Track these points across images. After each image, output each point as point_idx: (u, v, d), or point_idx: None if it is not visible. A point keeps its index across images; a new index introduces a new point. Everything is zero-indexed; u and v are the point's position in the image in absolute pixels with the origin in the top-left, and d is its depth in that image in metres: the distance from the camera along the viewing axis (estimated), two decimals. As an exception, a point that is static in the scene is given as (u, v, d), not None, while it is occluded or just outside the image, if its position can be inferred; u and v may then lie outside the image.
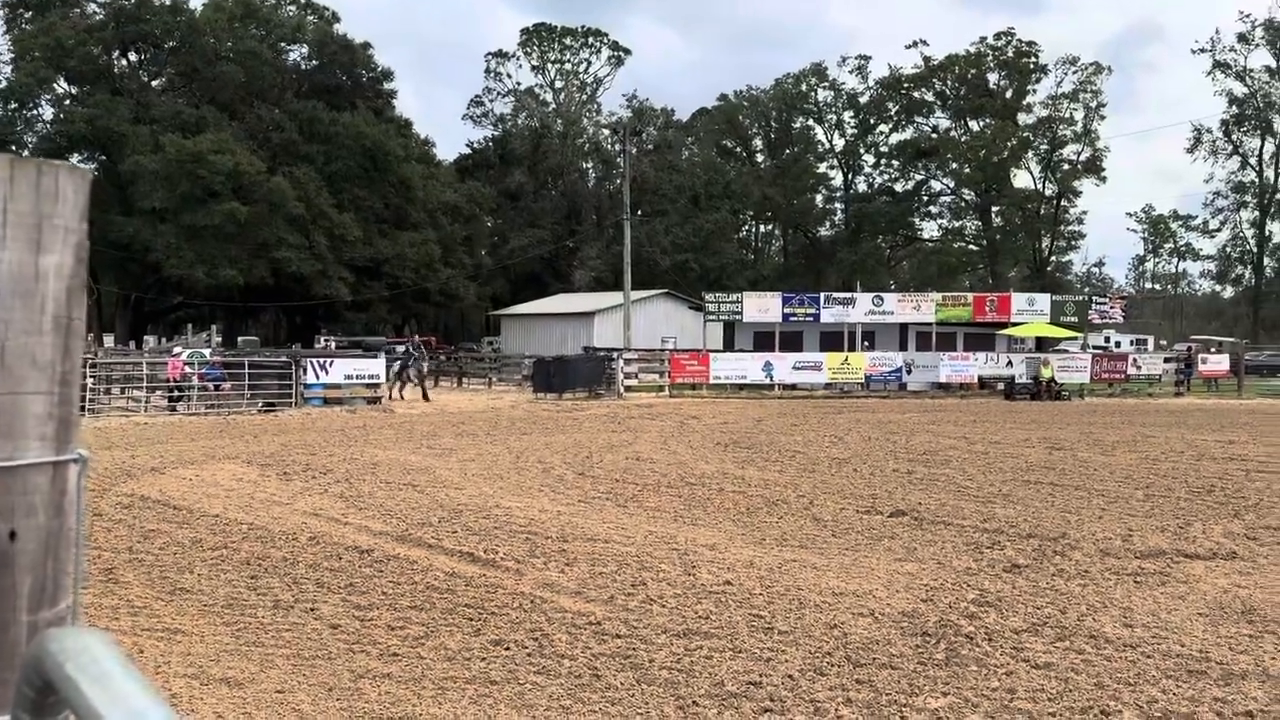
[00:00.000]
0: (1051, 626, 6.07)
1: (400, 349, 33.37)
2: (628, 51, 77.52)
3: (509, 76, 77.49)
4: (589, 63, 77.23)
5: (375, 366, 27.19)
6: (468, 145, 77.36)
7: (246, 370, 25.34)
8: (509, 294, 69.22)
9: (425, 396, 29.34)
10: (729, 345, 40.45)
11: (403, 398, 28.96)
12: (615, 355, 35.43)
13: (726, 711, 4.75)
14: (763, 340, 38.97)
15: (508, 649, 5.69)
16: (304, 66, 61.67)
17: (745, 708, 4.79)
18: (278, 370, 25.98)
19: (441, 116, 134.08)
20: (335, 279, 54.29)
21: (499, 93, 77.53)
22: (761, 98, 78.28)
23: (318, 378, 25.67)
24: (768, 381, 35.55)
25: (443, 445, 16.88)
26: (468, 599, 6.75)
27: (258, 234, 50.68)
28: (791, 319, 38.54)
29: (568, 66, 77.18)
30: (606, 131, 74.03)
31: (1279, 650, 5.66)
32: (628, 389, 33.40)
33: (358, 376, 26.63)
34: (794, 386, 35.72)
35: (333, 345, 43.43)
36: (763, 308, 38.73)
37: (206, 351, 28.47)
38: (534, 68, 77.17)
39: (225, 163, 48.83)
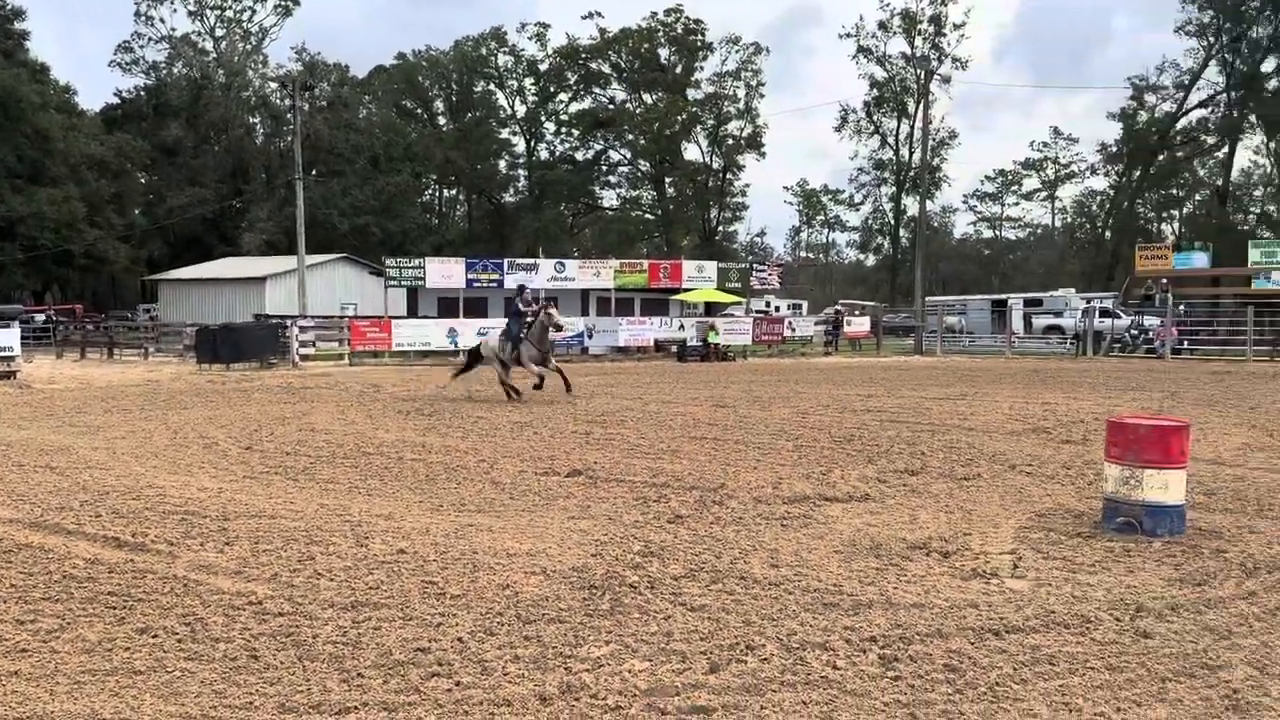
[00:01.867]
0: (707, 571, 6.47)
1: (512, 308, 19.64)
2: (296, 1, 73.46)
3: (162, 21, 71.31)
4: (253, 11, 72.50)
5: (8, 337, 24.31)
6: (116, 95, 70.67)
7: None
8: (168, 258, 64.07)
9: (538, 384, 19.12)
10: (413, 312, 39.73)
11: (516, 393, 18.65)
12: (289, 323, 33.80)
13: (393, 679, 4.69)
14: (447, 306, 38.65)
15: (155, 636, 5.30)
16: (-87, -2, 53.65)
17: (412, 674, 4.75)
18: (-119, 343, 22.62)
19: (85, 63, 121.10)
20: (-43, 239, 47.94)
21: (151, 39, 71.15)
22: (441, 59, 76.96)
23: (-66, 351, 22.60)
24: (453, 348, 35.28)
25: (88, 422, 15.39)
26: (111, 587, 6.22)
27: None
28: (476, 285, 38.49)
29: (229, 14, 72.05)
30: (275, 85, 69.93)
31: (900, 580, 6.33)
32: (304, 358, 32.00)
33: (-15, 349, 23.72)
34: (478, 352, 35.62)
35: (-46, 314, 38.36)
36: (446, 273, 38.40)
37: None
38: (191, 13, 71.42)
39: None
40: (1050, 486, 9.63)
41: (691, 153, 76.69)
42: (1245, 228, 64.19)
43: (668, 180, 76.50)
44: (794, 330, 42.80)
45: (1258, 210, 70.37)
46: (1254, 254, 43.30)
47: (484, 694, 4.52)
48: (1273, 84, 63.15)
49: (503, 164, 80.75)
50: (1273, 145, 66.20)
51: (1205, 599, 5.87)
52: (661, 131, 72.15)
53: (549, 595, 5.98)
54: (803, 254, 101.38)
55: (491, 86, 78.75)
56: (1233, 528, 7.69)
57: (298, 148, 43.19)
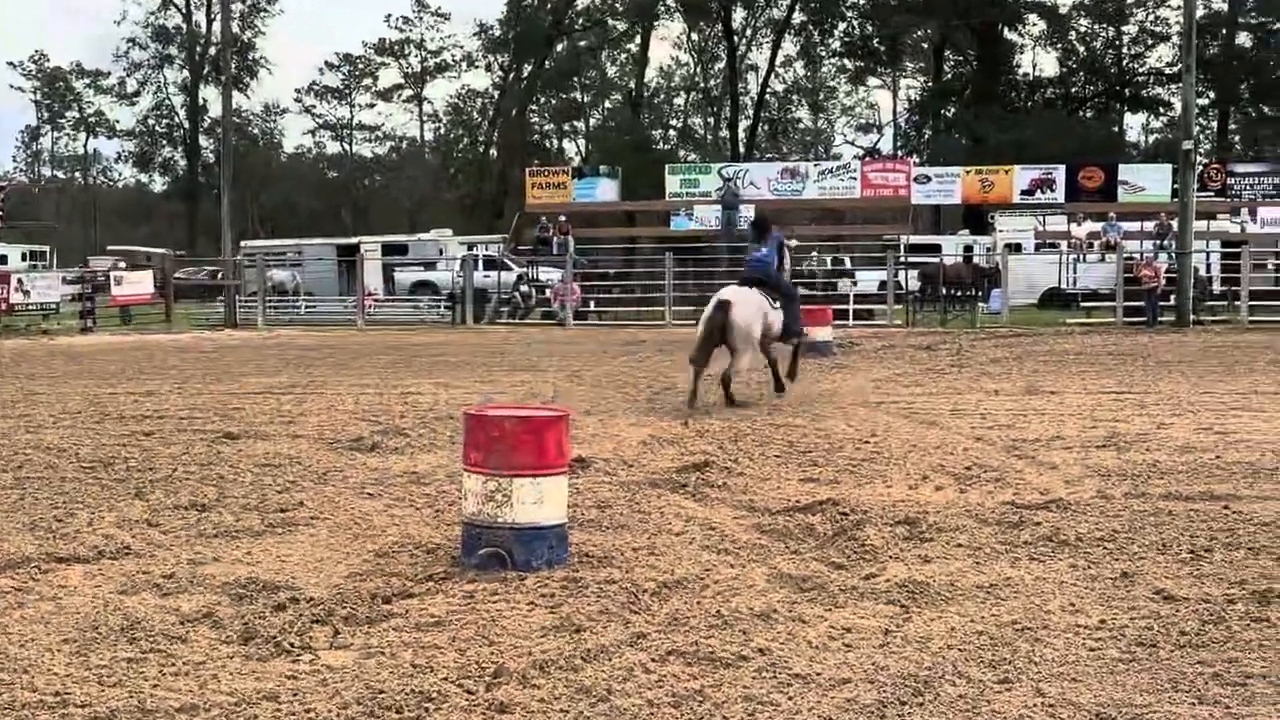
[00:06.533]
0: None
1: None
2: None
3: None
4: None
5: None
6: None
7: None
8: None
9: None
10: None
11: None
12: None
13: None
14: None
15: None
16: None
17: None
18: None
19: None
20: None
21: None
22: None
23: None
24: None
25: None
26: None
27: None
28: None
29: None
30: None
31: (165, 673, 6.19)
32: None
33: None
34: None
35: None
36: None
37: None
38: None
39: None
40: (400, 511, 10.18)
41: None
42: (665, 147, 72.93)
43: None
44: (29, 293, 40.89)
45: (678, 124, 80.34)
46: (672, 182, 49.51)
47: None
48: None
49: None
50: (694, 37, 75.72)
51: (584, 650, 6.53)
52: None
53: None
54: (46, 172, 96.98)
55: None
56: (627, 549, 8.68)
57: None
